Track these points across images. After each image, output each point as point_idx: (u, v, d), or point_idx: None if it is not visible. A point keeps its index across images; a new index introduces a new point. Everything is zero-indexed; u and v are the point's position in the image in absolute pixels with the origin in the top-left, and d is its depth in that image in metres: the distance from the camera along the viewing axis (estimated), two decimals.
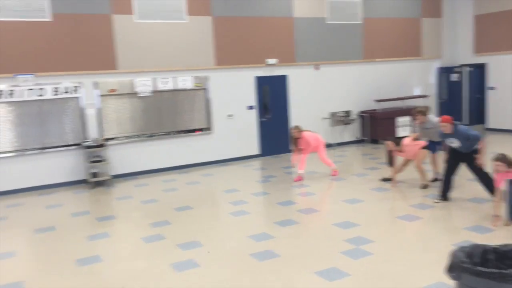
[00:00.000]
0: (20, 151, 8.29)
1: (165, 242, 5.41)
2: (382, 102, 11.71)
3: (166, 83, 9.40)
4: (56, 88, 8.38)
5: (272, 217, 6.15)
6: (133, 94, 9.16)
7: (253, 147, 10.47)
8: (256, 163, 9.97)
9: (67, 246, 5.45)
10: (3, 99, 7.99)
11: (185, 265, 4.70)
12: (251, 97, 10.35)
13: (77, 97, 8.61)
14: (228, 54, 9.97)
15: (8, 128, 8.17)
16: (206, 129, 9.92)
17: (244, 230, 5.62)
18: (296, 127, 8.16)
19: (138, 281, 4.38)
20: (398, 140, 7.31)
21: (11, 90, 8.03)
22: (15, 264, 5.00)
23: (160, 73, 9.34)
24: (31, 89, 8.17)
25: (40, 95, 8.26)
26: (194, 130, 9.80)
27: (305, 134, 8.08)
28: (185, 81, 9.57)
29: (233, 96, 10.12)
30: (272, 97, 10.63)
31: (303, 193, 7.37)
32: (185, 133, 9.72)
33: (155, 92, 9.34)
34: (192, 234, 5.63)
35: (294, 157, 8.25)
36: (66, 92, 8.48)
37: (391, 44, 12.04)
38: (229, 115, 10.08)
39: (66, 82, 8.47)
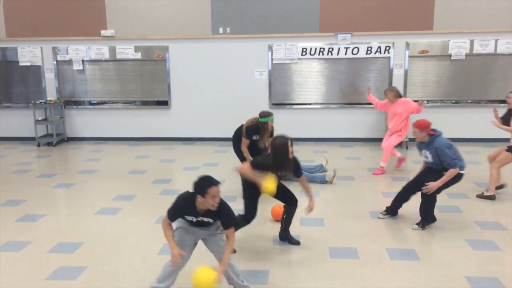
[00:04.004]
0: (327, 104, 9.12)
1: (463, 216, 5.08)
2: None
3: (486, 46, 8.47)
4: (369, 47, 8.74)
5: None
6: (445, 57, 8.66)
7: None
8: None
9: (363, 197, 5.80)
10: (322, 56, 8.88)
11: (483, 245, 4.33)
12: None
13: (387, 57, 8.77)
14: None
15: (322, 83, 9.08)
16: None
17: None
18: None
19: (429, 247, 4.29)
20: None
21: (330, 48, 8.82)
22: (317, 203, 5.66)
23: (480, 35, 8.46)
24: (347, 48, 8.77)
25: (354, 54, 8.79)
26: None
27: None
28: (509, 44, 8.38)
29: None
30: None
31: None
32: (497, 103, 8.65)
33: (469, 55, 8.57)
34: (491, 215, 5.12)
35: None
36: (378, 51, 8.74)
37: None
38: None
39: (378, 41, 8.71)
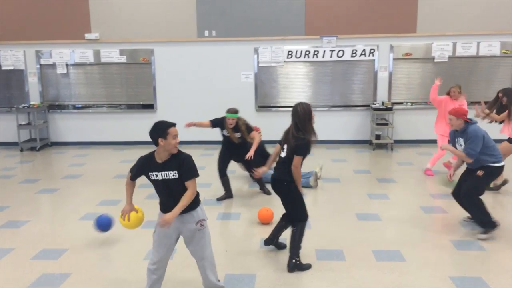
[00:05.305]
0: (313, 107, 9.04)
1: (447, 217, 5.14)
2: None
3: (468, 48, 8.60)
4: (354, 50, 8.81)
5: None
6: (428, 59, 8.77)
7: None
8: None
9: (349, 200, 5.83)
10: (307, 59, 8.92)
11: (468, 245, 4.38)
12: None
13: (372, 60, 8.84)
14: None
15: (308, 85, 9.12)
16: None
17: None
18: None
19: (414, 248, 4.33)
20: None
21: (315, 51, 8.87)
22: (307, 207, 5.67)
23: (462, 37, 8.60)
24: (332, 50, 8.83)
25: (340, 56, 8.85)
26: None
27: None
28: (491, 47, 8.53)
29: None
30: None
31: None
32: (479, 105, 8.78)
33: (452, 58, 8.69)
34: None
35: None
36: (362, 54, 8.81)
37: None
38: None
39: (363, 44, 8.78)
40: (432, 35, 8.66)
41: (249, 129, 5.72)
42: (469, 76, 8.79)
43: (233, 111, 5.62)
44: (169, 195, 3.17)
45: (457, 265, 3.99)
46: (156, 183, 3.18)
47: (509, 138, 5.86)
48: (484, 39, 8.57)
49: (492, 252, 4.24)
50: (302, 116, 3.93)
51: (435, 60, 8.74)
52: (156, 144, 3.09)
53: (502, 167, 4.62)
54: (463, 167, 4.86)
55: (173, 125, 3.13)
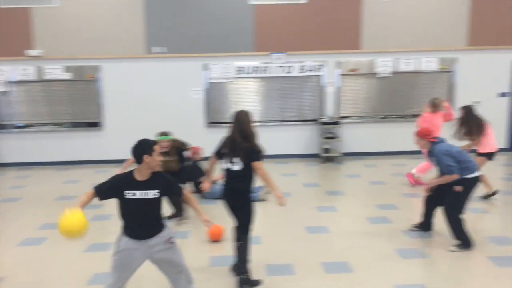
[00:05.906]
0: (264, 122, 9.20)
1: (391, 227, 5.28)
2: None
3: (408, 64, 9.01)
4: (302, 66, 9.00)
5: None
6: (372, 75, 9.09)
7: (500, 139, 9.14)
8: (504, 159, 8.70)
9: (299, 213, 5.87)
10: (257, 75, 9.02)
11: (412, 253, 4.52)
12: (505, 83, 9.06)
13: (319, 76, 9.06)
14: (482, 33, 8.95)
15: (258, 101, 9.20)
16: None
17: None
18: None
19: (361, 258, 4.41)
20: None
21: (265, 67, 8.98)
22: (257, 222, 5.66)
23: (403, 54, 9.01)
24: (281, 66, 8.97)
25: (288, 72, 9.00)
26: None
27: None
28: (430, 63, 8.98)
29: (482, 80, 9.06)
30: None
31: None
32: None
33: (395, 73, 9.07)
34: None
35: None
36: (311, 70, 9.01)
37: None
38: (475, 102, 8.99)
39: (311, 60, 8.99)
40: (375, 51, 9.02)
41: (181, 151, 5.75)
42: (410, 90, 9.19)
43: (165, 133, 5.63)
44: (142, 216, 3.07)
45: (402, 274, 4.10)
46: (130, 203, 3.05)
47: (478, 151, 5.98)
48: (424, 55, 9.01)
49: (434, 259, 4.39)
50: (246, 122, 3.91)
51: (379, 76, 9.09)
52: (140, 161, 3.04)
53: (478, 177, 4.57)
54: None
55: (157, 142, 3.18)
